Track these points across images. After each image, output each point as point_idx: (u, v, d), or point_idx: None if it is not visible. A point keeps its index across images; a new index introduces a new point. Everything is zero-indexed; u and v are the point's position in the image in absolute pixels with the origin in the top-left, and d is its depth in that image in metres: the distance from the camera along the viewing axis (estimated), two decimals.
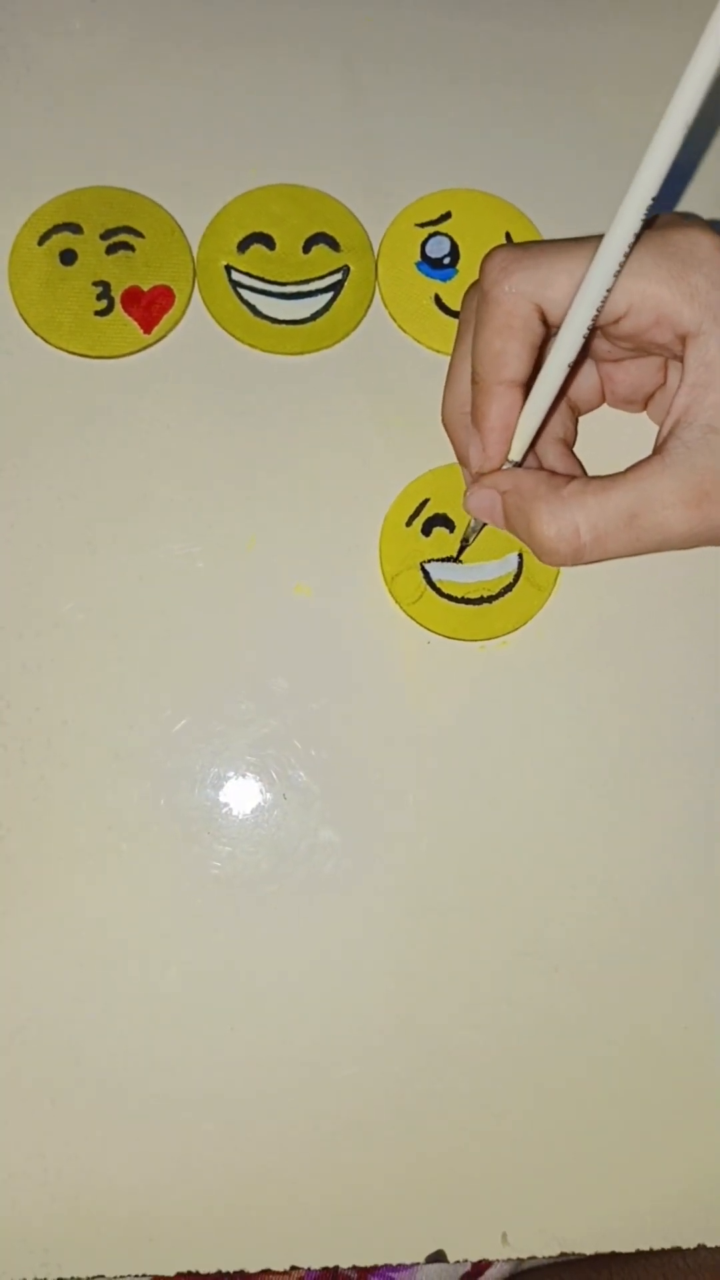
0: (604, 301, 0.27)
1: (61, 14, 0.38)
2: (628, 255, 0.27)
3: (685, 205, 0.38)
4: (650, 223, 0.29)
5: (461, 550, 0.34)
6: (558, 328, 0.29)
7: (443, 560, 0.35)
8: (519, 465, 0.31)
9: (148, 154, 0.37)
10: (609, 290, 0.27)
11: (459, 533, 0.35)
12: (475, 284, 0.31)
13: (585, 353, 0.31)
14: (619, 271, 0.27)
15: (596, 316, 0.28)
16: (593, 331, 0.29)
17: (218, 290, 0.36)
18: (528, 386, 0.30)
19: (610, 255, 0.26)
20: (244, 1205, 0.32)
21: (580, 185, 0.38)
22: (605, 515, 0.29)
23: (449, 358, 0.33)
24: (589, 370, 0.34)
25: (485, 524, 0.33)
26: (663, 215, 0.31)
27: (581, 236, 0.29)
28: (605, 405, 0.35)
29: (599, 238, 0.27)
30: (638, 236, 0.26)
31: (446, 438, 0.33)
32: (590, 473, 0.33)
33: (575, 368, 0.30)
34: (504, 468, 0.31)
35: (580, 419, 0.35)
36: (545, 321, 0.29)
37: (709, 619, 0.35)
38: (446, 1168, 0.33)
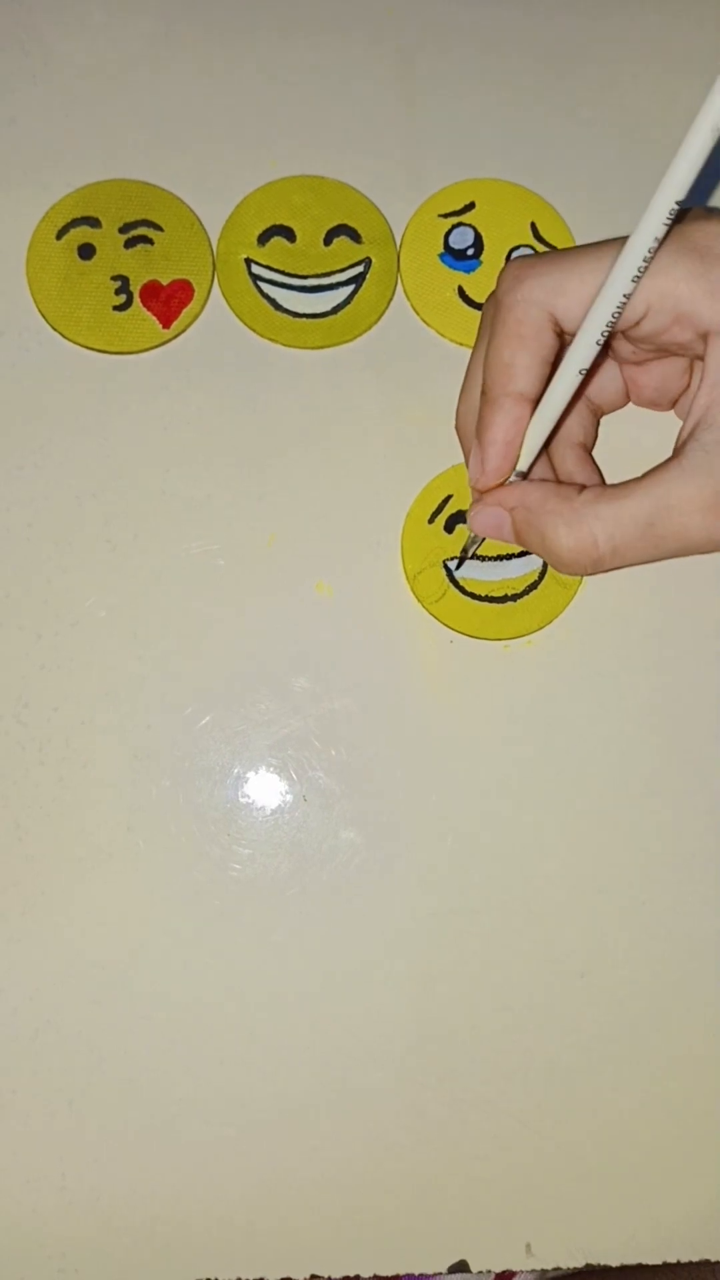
0: (622, 307, 0.27)
1: (80, 6, 0.37)
2: (648, 260, 0.26)
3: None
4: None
5: (460, 563, 0.34)
6: (573, 337, 0.28)
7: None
8: (525, 476, 0.30)
9: (166, 146, 0.36)
10: (627, 296, 0.27)
11: None
12: (494, 293, 0.31)
13: (603, 357, 0.30)
14: (638, 276, 0.26)
15: (614, 322, 0.27)
16: (610, 336, 0.28)
17: (238, 284, 0.35)
18: (538, 401, 0.29)
19: (631, 260, 0.26)
20: (263, 1213, 0.32)
21: (606, 175, 0.37)
22: (622, 524, 0.28)
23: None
24: (612, 371, 0.33)
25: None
26: None
27: (598, 242, 0.28)
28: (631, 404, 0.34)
29: (615, 241, 0.27)
30: (660, 241, 0.26)
31: None
32: (616, 466, 0.33)
33: (590, 374, 0.29)
34: (510, 480, 0.30)
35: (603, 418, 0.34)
36: (560, 332, 0.28)
37: None
38: (470, 1176, 0.33)
